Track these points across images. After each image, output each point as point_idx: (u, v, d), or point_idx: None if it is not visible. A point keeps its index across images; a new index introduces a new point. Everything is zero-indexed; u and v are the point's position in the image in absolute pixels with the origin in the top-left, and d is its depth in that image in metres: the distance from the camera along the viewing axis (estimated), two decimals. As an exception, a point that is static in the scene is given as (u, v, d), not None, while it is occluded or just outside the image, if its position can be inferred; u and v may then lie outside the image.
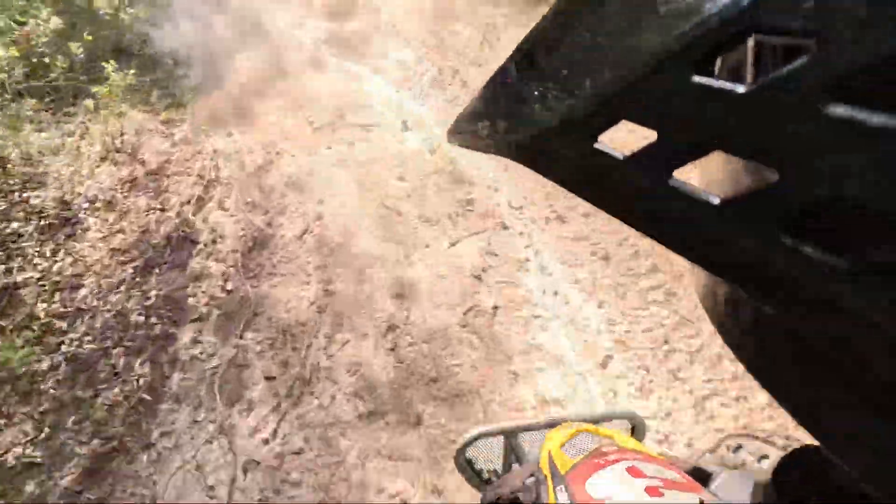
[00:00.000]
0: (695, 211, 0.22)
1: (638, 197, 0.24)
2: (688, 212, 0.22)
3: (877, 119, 0.16)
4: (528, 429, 0.80)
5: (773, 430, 1.71)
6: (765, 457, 1.00)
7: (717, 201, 0.21)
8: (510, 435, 0.80)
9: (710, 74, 0.20)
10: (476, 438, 0.80)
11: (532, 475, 0.61)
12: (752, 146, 0.19)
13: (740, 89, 0.19)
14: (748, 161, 0.20)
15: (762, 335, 0.26)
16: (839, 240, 0.19)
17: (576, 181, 0.26)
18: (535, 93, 0.27)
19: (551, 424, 0.79)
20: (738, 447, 1.07)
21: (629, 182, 0.24)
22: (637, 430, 0.85)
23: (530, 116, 0.27)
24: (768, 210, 0.20)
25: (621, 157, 0.24)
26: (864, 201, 0.17)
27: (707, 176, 0.27)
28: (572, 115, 0.24)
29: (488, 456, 0.84)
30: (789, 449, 0.83)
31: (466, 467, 0.83)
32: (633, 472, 0.50)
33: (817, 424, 0.24)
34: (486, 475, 0.84)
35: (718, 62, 0.21)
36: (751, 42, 0.21)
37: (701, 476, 0.60)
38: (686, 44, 0.20)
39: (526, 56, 0.28)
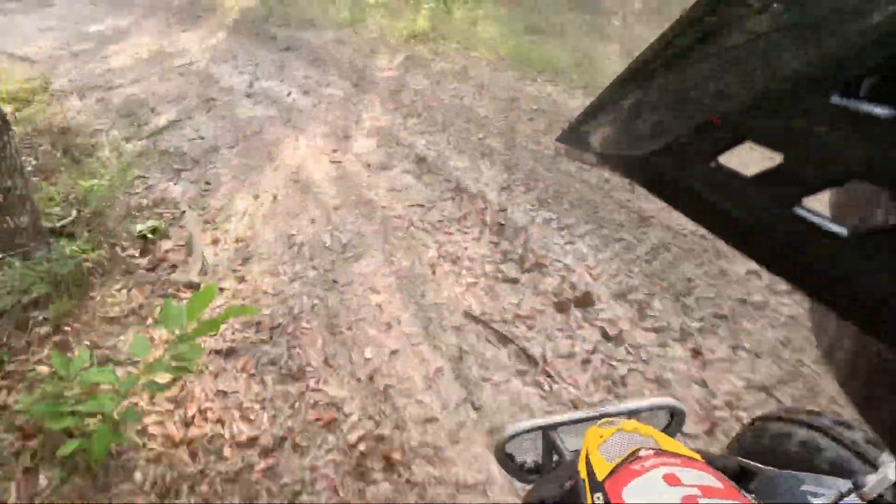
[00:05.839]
0: (821, 242, 0.20)
1: (758, 223, 0.22)
2: (813, 243, 0.20)
3: None
4: (564, 423, 0.81)
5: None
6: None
7: (847, 233, 0.20)
8: (548, 429, 0.81)
9: (852, 96, 0.18)
10: (513, 436, 0.81)
11: (571, 478, 0.61)
12: None
13: (887, 112, 0.17)
14: (891, 193, 0.18)
15: None
16: None
17: (690, 203, 0.25)
18: (652, 109, 0.25)
19: (588, 419, 0.80)
20: (763, 431, 1.01)
21: (748, 207, 0.22)
22: (676, 418, 0.84)
23: (646, 133, 0.25)
24: None
25: (742, 180, 0.22)
26: None
27: (838, 204, 0.25)
28: (691, 133, 0.23)
29: (528, 449, 0.86)
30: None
31: (507, 461, 0.85)
32: (671, 479, 0.50)
33: None
34: (527, 467, 0.86)
35: (865, 84, 0.19)
36: None
37: (743, 474, 0.59)
38: (833, 64, 0.18)
39: (644, 71, 0.27)
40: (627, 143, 0.27)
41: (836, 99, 0.18)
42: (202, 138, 3.95)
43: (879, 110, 0.18)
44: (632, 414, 0.80)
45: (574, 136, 0.32)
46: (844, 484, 0.50)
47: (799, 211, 0.21)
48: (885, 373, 0.24)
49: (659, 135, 0.25)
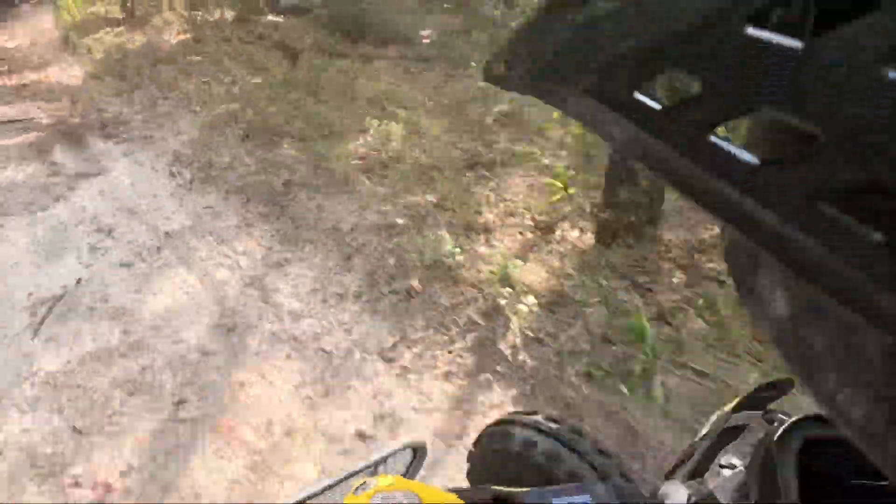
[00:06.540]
0: (732, 170, 0.20)
1: (675, 152, 0.22)
2: (724, 170, 0.20)
3: None
4: (313, 496, 0.76)
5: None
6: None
7: (756, 161, 0.20)
8: None
9: (765, 27, 0.19)
10: None
11: None
12: (802, 106, 0.18)
13: (796, 44, 0.18)
14: (797, 123, 0.18)
15: (809, 324, 0.22)
16: (881, 214, 0.16)
17: (613, 132, 0.25)
18: (574, 38, 0.26)
19: (335, 484, 0.77)
20: (509, 436, 0.96)
21: (667, 134, 0.22)
22: (418, 454, 0.85)
23: (568, 62, 0.27)
24: (810, 176, 0.18)
25: (663, 107, 0.22)
26: None
27: (749, 135, 0.26)
28: (614, 62, 0.24)
29: None
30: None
31: None
32: None
33: (850, 421, 0.21)
34: None
35: (775, 15, 0.19)
36: None
37: (498, 502, 0.63)
38: None
39: (555, 7, 0.28)
40: (553, 76, 0.28)
41: (749, 30, 0.19)
42: None
43: (785, 41, 0.18)
44: (377, 465, 0.80)
45: (498, 73, 0.33)
46: (581, 497, 0.57)
47: (713, 139, 0.21)
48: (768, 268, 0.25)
49: (580, 69, 0.26)
